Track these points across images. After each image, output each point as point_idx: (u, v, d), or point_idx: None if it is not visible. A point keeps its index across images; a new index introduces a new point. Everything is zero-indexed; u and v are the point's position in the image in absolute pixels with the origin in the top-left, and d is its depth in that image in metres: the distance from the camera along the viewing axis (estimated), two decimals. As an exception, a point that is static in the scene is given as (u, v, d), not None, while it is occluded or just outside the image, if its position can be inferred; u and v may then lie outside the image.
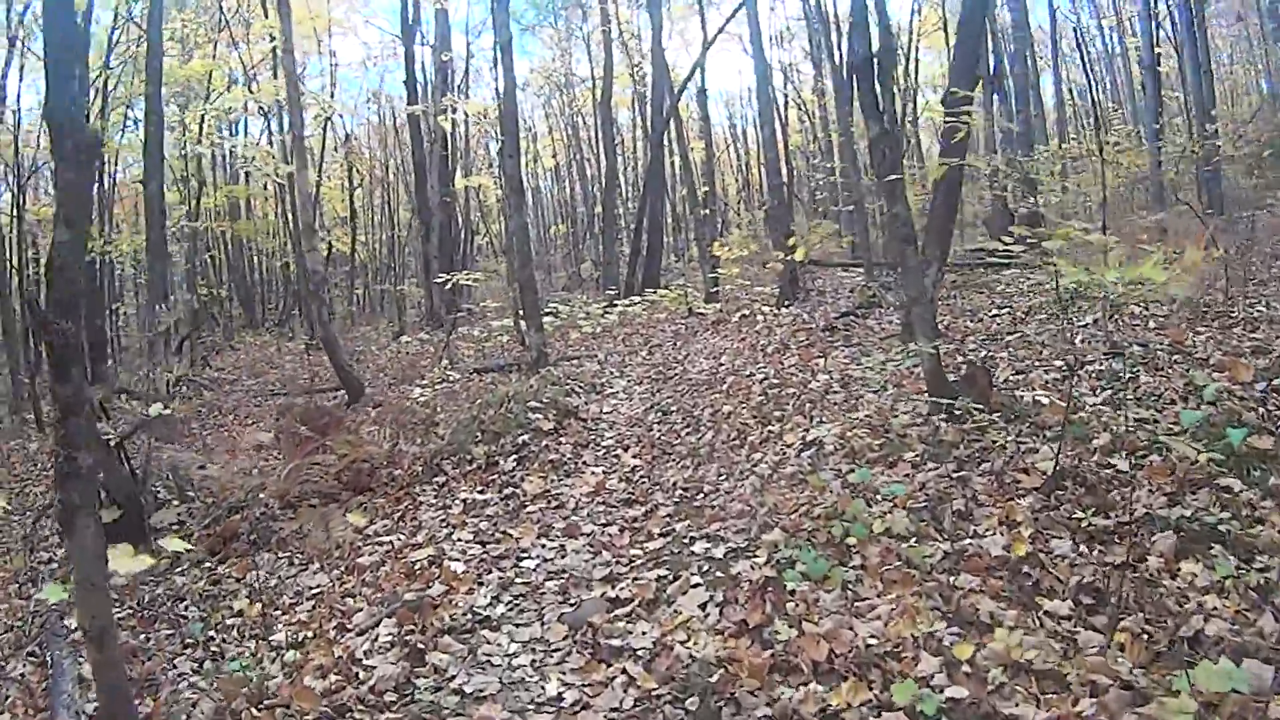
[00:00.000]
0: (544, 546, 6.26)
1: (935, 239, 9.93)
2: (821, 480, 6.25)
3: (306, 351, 22.97)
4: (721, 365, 10.87)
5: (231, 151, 30.65)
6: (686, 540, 5.86)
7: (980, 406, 6.99)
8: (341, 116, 33.16)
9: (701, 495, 6.78)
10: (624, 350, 14.70)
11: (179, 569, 7.88)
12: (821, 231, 12.68)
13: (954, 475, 6.02)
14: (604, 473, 7.92)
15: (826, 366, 9.40)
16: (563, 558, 6.03)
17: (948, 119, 10.31)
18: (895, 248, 7.82)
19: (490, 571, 5.92)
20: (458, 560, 6.18)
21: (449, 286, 15.18)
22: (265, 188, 32.38)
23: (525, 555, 6.15)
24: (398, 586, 5.99)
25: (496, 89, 16.25)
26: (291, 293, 31.01)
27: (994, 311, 11.17)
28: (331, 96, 28.19)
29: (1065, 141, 23.31)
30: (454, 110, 21.11)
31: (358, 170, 33.63)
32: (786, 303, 14.69)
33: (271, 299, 35.74)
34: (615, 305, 19.28)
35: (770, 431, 7.88)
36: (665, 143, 22.77)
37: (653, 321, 18.07)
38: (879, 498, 5.84)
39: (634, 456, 8.22)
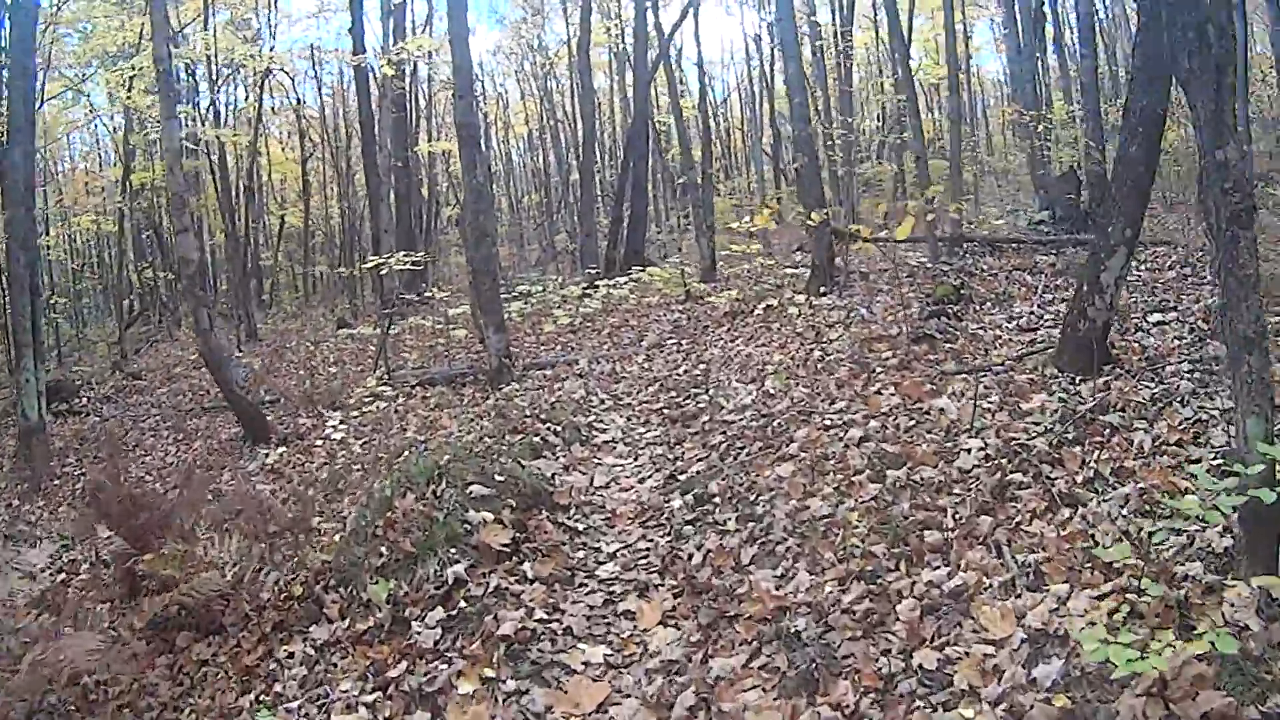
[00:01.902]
0: None
1: (1125, 207, 5.93)
2: None
3: (239, 347, 18.64)
4: (772, 399, 6.69)
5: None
6: None
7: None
8: (292, 79, 28.56)
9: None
10: (614, 353, 10.55)
11: None
12: (935, 192, 8.51)
13: None
14: (607, 667, 3.82)
15: (970, 419, 5.26)
16: None
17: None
18: (1213, 214, 3.56)
19: None
20: None
21: (385, 272, 11.01)
22: (222, 160, 28.04)
23: None
24: None
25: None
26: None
27: (1155, 313, 7.16)
28: (270, 49, 23.50)
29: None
30: (399, 54, 16.68)
31: (310, 138, 28.97)
32: (823, 289, 10.56)
33: (225, 282, 31.07)
34: (597, 286, 15.10)
35: (932, 586, 3.79)
36: (651, 96, 18.44)
37: (644, 307, 13.94)
38: None
39: (662, 621, 4.11)
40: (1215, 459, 4.56)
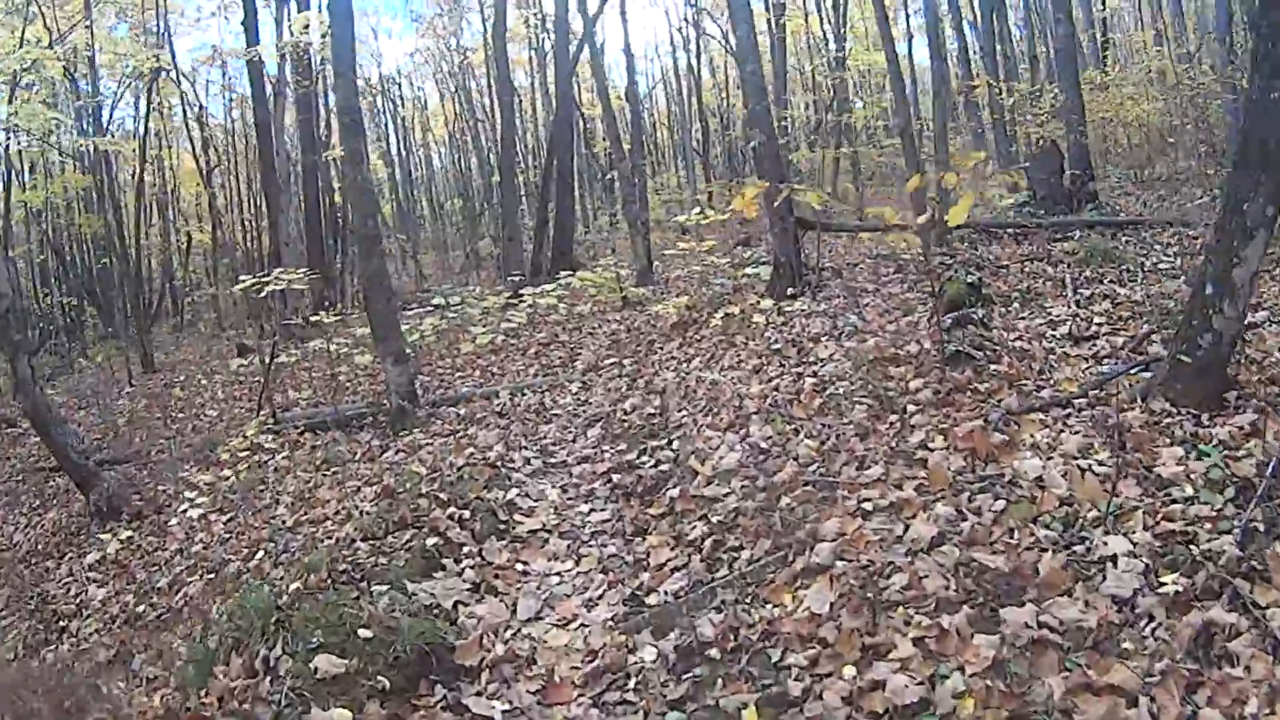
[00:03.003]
0: None
1: (1267, 176, 4.07)
2: None
3: (130, 380, 16.16)
4: (765, 456, 4.67)
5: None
6: None
7: None
8: (194, 84, 25.92)
9: None
10: (542, 382, 8.50)
11: None
12: (975, 158, 6.51)
13: None
14: None
15: (1105, 506, 3.33)
16: None
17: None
18: None
19: None
20: None
21: (265, 294, 8.84)
22: (132, 177, 25.32)
23: None
24: None
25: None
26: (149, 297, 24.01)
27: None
28: (166, 49, 20.97)
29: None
30: (289, 44, 14.42)
31: (215, 149, 26.32)
32: (791, 290, 8.64)
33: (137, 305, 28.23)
34: (521, 295, 12.97)
35: None
36: (575, 88, 16.38)
37: (575, 318, 11.94)
38: None
39: None
40: None
